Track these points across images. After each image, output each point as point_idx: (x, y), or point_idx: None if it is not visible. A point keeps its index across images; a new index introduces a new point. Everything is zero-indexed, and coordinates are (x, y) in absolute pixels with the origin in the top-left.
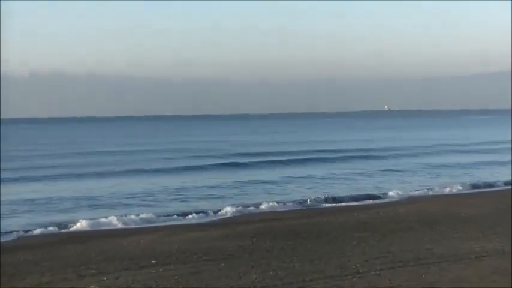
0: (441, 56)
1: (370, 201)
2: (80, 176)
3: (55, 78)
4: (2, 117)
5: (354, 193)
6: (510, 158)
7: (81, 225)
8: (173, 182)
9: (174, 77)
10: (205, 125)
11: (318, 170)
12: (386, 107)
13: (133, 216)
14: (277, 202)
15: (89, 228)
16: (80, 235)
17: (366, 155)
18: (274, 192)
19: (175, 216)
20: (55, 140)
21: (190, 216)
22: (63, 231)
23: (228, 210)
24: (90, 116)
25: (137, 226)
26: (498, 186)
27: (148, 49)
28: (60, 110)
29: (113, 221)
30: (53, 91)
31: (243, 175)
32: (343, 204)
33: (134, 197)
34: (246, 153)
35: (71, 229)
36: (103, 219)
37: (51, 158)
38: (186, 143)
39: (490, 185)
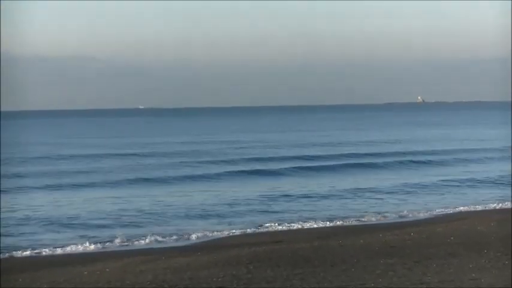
0: (491, 33)
1: (400, 219)
2: (36, 190)
3: None
4: None
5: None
6: None
7: (31, 249)
8: (156, 194)
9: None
10: (192, 120)
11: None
12: (419, 97)
13: (100, 238)
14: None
15: (42, 253)
16: (30, 262)
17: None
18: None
19: (152, 238)
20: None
21: (170, 238)
22: (7, 255)
23: (219, 230)
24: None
25: (104, 250)
26: None
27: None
28: None
29: (73, 243)
30: None
31: (265, 186)
32: (365, 222)
33: (106, 215)
34: (271, 158)
35: (18, 255)
36: (62, 242)
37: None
38: (183, 145)
39: None
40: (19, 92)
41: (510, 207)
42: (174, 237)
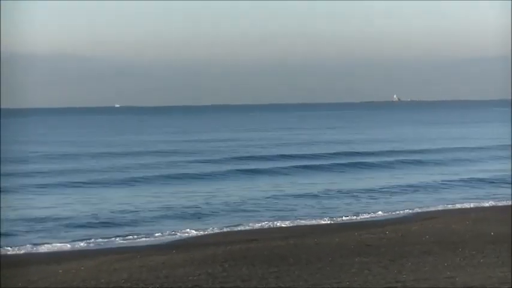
0: (467, 31)
1: (375, 217)
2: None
3: None
4: None
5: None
6: None
7: (5, 248)
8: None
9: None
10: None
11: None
12: (395, 96)
13: (75, 237)
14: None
15: (17, 252)
16: (3, 261)
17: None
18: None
19: (128, 237)
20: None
21: (146, 236)
22: None
23: (195, 229)
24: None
25: (79, 249)
26: None
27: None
28: None
29: (48, 242)
30: None
31: (243, 184)
32: (340, 221)
33: (81, 214)
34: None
35: None
36: (37, 241)
37: None
38: (179, 143)
39: None
40: None
41: (485, 206)
42: (150, 235)
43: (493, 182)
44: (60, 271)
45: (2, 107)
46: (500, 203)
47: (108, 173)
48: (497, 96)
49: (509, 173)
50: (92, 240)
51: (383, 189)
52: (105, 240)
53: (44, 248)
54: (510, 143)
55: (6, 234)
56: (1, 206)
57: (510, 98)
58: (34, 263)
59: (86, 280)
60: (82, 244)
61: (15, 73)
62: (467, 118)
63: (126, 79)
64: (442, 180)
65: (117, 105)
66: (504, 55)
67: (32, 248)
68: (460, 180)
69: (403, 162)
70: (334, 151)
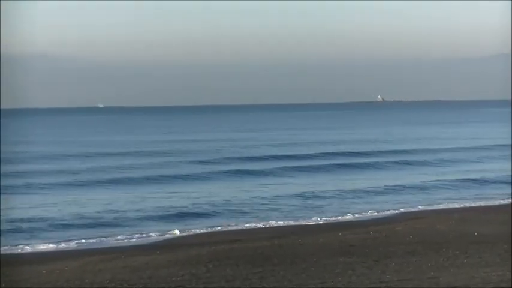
0: (452, 32)
1: (359, 218)
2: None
3: None
4: None
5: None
6: None
7: None
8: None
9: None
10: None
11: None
12: (379, 96)
13: (60, 237)
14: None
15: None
16: None
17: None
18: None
19: (112, 238)
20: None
21: (130, 237)
22: None
23: (179, 229)
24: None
25: (63, 249)
26: None
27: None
28: None
29: (32, 243)
30: None
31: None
32: (324, 221)
33: (66, 215)
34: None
35: None
36: (21, 241)
37: None
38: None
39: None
40: None
41: (469, 206)
42: (134, 236)
43: (478, 183)
44: (44, 272)
45: None
46: (483, 204)
47: (93, 174)
48: (481, 96)
49: (494, 174)
50: (76, 240)
51: (368, 190)
52: (90, 240)
53: (27, 249)
54: (495, 144)
55: None
56: None
57: (494, 98)
58: (18, 264)
59: (70, 280)
60: (66, 244)
61: None
62: (451, 118)
63: (109, 79)
64: (426, 181)
65: (101, 105)
66: (490, 56)
67: (16, 248)
68: (444, 181)
69: (388, 162)
70: (320, 151)
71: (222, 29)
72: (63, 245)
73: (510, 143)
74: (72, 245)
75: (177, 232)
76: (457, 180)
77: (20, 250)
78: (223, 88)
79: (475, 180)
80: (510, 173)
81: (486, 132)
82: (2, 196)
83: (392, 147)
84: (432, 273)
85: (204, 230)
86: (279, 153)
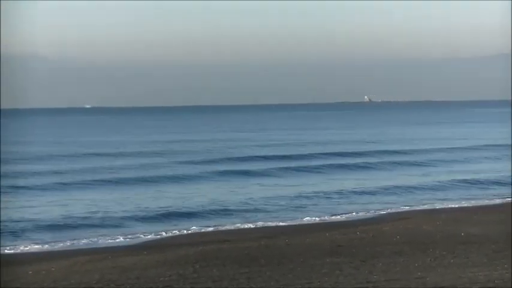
0: (437, 32)
1: (347, 218)
2: None
3: None
4: None
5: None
6: None
7: None
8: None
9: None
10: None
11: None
12: (366, 97)
13: (47, 238)
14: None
15: None
16: None
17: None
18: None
19: (99, 238)
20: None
21: (118, 237)
22: None
23: (167, 230)
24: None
25: (51, 249)
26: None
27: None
28: None
29: (20, 243)
30: None
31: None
32: (312, 221)
33: (54, 215)
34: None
35: None
36: (8, 242)
37: None
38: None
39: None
40: None
41: (455, 206)
42: (121, 236)
43: (466, 183)
44: (30, 272)
45: None
46: (471, 204)
47: (81, 175)
48: (468, 97)
49: (482, 175)
50: (63, 241)
51: (355, 190)
52: (77, 241)
53: (14, 249)
54: (482, 144)
55: None
56: None
57: (478, 99)
58: (4, 264)
59: (57, 281)
60: (53, 245)
61: None
62: (438, 118)
63: (95, 80)
64: (414, 181)
65: (88, 106)
66: (476, 56)
67: (2, 249)
68: (432, 181)
69: (378, 163)
70: (308, 152)
71: (221, 29)
72: (50, 245)
73: (499, 144)
74: (59, 245)
75: (164, 232)
76: (445, 180)
77: (6, 251)
78: (219, 88)
79: (464, 181)
80: (498, 174)
81: (477, 133)
82: None
83: (382, 147)
84: (419, 273)
85: (191, 231)
86: (270, 154)
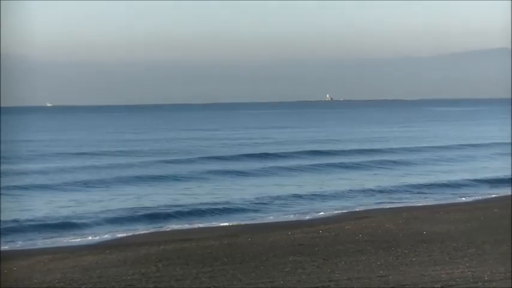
0: (399, 33)
1: (309, 217)
2: None
3: None
4: None
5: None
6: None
7: None
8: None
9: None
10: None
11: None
12: (328, 96)
13: (8, 237)
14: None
15: None
16: None
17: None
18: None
19: (61, 237)
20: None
21: (79, 236)
22: None
23: (128, 229)
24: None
25: (12, 248)
26: (472, 195)
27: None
28: None
29: None
30: None
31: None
32: (274, 220)
33: (15, 215)
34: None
35: None
36: None
37: None
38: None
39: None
40: None
41: (417, 205)
42: (83, 235)
43: (428, 182)
44: None
45: None
46: (432, 203)
47: (45, 176)
48: (429, 95)
49: (446, 174)
50: (24, 240)
51: (318, 189)
52: (38, 240)
53: None
54: (444, 145)
55: None
56: None
57: (431, 98)
58: None
59: (19, 280)
60: (14, 244)
61: None
62: (399, 118)
63: (55, 78)
64: (376, 180)
65: (49, 104)
66: (434, 55)
67: None
68: (394, 180)
69: (337, 163)
70: (274, 150)
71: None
72: (10, 245)
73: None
74: (20, 244)
75: (125, 231)
76: (406, 180)
77: None
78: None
79: (423, 180)
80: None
81: (440, 132)
82: None
83: (349, 147)
84: (381, 272)
85: (153, 230)
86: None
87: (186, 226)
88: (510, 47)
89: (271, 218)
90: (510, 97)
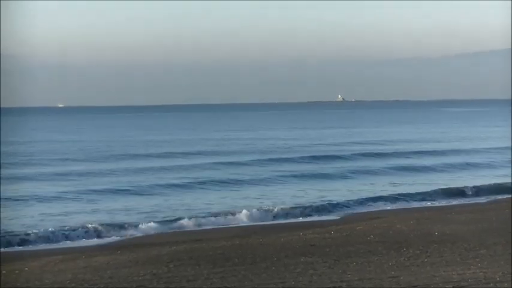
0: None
1: (320, 218)
2: None
3: None
4: None
5: None
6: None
7: None
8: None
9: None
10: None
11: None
12: (339, 96)
13: (18, 237)
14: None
15: None
16: None
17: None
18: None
19: (73, 237)
20: None
21: (91, 237)
22: None
23: (140, 229)
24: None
25: (23, 249)
26: (480, 196)
27: None
28: None
29: None
30: None
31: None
32: (285, 220)
33: (25, 214)
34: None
35: None
36: None
37: None
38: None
39: (473, 195)
40: None
41: (429, 205)
42: (95, 236)
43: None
44: (4, 272)
45: None
46: (443, 204)
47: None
48: (438, 96)
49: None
50: (36, 240)
51: (327, 190)
52: (49, 240)
53: None
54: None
55: None
56: None
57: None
58: None
59: (30, 281)
60: (26, 244)
61: None
62: (411, 118)
63: (68, 79)
64: (386, 181)
65: (61, 105)
66: (437, 57)
67: None
68: (405, 180)
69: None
70: (285, 151)
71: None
72: (24, 244)
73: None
74: (32, 245)
75: (137, 232)
76: (417, 179)
77: None
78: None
79: (435, 179)
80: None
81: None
82: None
83: (361, 148)
84: (393, 273)
85: (164, 230)
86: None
87: (197, 227)
88: None
89: (282, 219)
90: None
